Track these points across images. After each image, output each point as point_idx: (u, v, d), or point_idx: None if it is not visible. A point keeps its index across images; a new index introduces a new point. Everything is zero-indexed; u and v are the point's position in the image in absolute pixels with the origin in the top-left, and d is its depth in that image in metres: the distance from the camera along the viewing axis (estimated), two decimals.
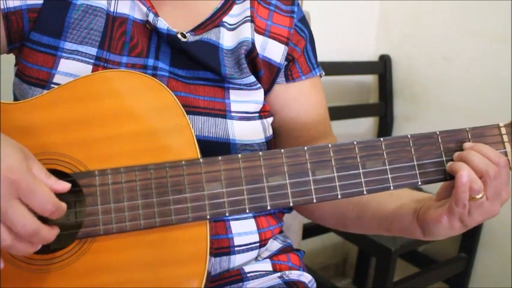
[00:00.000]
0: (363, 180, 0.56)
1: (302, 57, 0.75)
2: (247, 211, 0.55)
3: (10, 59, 0.71)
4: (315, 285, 0.78)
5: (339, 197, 0.55)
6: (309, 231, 1.65)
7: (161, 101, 0.58)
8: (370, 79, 1.91)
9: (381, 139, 0.57)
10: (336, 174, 0.55)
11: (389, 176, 0.57)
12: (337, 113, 1.68)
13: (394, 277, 1.38)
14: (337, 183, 0.55)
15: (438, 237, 0.61)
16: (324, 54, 1.52)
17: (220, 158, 0.55)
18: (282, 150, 0.56)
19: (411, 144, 0.58)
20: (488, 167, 0.55)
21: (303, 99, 0.76)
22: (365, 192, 0.56)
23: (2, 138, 0.48)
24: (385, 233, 0.70)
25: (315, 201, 0.55)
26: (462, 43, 1.59)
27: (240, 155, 0.55)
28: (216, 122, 0.66)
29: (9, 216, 0.46)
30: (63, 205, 0.50)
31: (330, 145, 0.56)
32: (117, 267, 0.54)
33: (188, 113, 0.64)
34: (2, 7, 0.63)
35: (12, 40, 0.66)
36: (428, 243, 1.64)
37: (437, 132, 0.58)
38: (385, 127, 1.82)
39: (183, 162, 0.55)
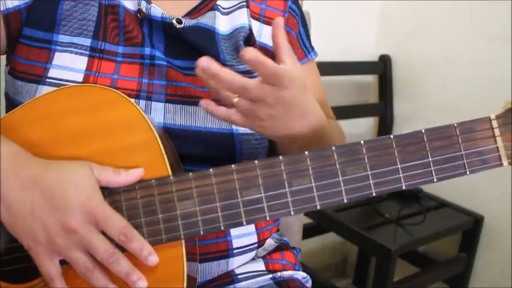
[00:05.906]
0: (343, 188, 0.52)
1: (297, 42, 0.74)
2: (223, 228, 0.52)
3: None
4: (309, 282, 0.77)
5: (318, 207, 0.52)
6: (309, 231, 1.65)
7: (126, 116, 0.55)
8: (370, 79, 1.90)
9: (362, 142, 0.53)
10: (314, 184, 0.52)
11: (371, 182, 0.53)
12: (337, 113, 1.66)
13: (394, 277, 1.38)
14: (315, 194, 0.52)
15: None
16: (324, 54, 1.52)
17: (191, 174, 0.52)
18: (256, 162, 0.53)
19: (394, 146, 0.53)
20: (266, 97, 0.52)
21: None
22: (345, 201, 0.53)
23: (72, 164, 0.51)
24: None
25: (292, 213, 0.52)
26: (462, 43, 1.59)
27: (211, 170, 0.52)
28: None
29: (92, 244, 0.48)
30: (136, 233, 0.50)
31: (306, 153, 0.53)
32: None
33: (190, 104, 0.63)
34: (1, 8, 0.62)
35: (12, 40, 0.64)
36: (428, 243, 1.64)
37: (423, 131, 0.54)
38: (385, 127, 1.82)
39: (153, 181, 0.52)
